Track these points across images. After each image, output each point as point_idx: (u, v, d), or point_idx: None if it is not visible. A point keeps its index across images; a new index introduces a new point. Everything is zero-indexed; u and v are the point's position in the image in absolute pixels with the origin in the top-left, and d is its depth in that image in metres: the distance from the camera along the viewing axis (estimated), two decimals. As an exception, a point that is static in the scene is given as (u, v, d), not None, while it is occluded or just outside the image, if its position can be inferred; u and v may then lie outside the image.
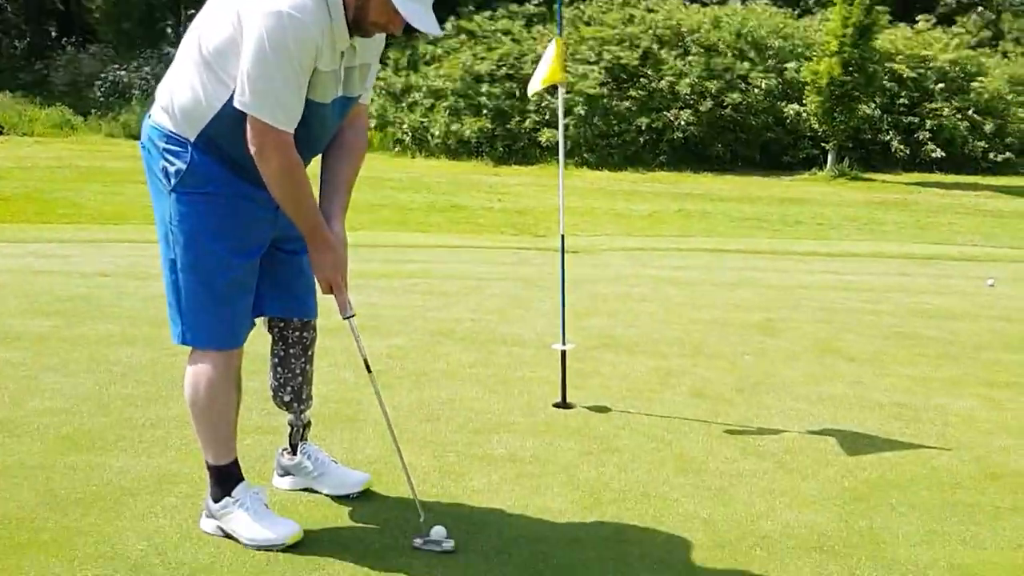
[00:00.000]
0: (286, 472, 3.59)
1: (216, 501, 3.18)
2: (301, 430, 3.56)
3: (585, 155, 22.71)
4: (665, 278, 8.67)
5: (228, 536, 3.16)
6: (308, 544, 3.12)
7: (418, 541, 3.16)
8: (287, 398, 3.47)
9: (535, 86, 4.71)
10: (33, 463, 3.69)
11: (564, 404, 4.67)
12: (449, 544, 3.14)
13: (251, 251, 3.13)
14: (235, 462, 3.22)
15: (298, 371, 3.45)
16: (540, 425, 4.37)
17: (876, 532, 3.32)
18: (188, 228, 3.03)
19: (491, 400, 4.72)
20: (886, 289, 8.21)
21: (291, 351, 3.43)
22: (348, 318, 3.21)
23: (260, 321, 3.38)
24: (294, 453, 3.57)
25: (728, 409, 4.67)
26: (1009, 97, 25.21)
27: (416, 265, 8.95)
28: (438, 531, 3.17)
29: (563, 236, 4.87)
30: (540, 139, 22.31)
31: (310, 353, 3.49)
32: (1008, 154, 24.57)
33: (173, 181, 3.01)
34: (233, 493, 3.17)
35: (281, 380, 3.45)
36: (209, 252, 3.04)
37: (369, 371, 3.36)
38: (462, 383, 4.98)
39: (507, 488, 3.64)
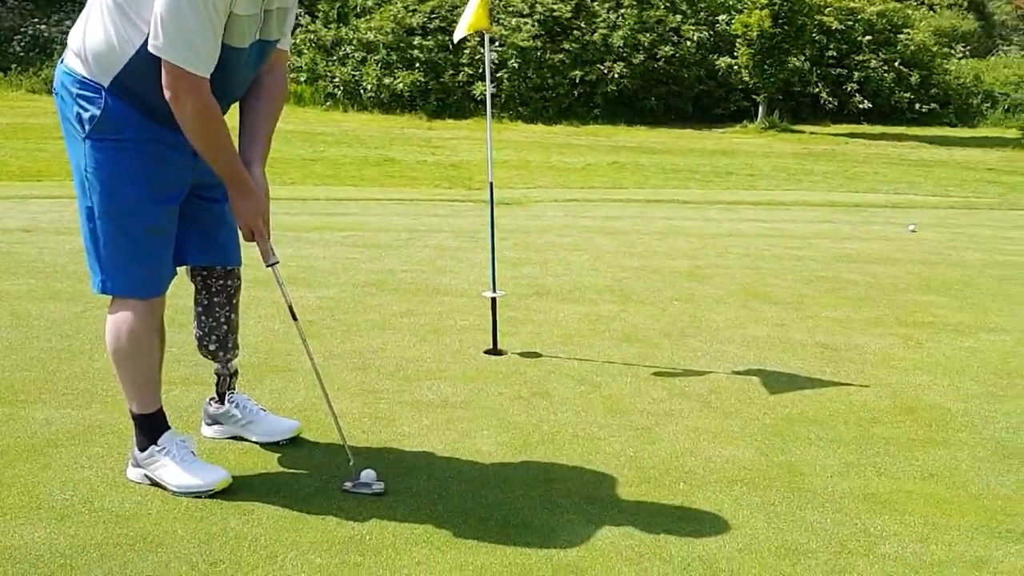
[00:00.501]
0: (214, 421, 3.59)
1: (142, 450, 3.16)
2: (228, 379, 3.55)
3: (519, 108, 22.68)
4: (597, 228, 8.73)
5: (155, 484, 3.15)
6: (237, 490, 3.12)
7: (348, 485, 3.19)
8: (212, 347, 3.45)
9: (460, 32, 4.70)
10: (-46, 417, 3.64)
11: (495, 351, 4.71)
12: (379, 487, 3.17)
13: (170, 197, 3.09)
14: (160, 411, 3.21)
15: (223, 320, 3.44)
16: (471, 371, 4.41)
17: (795, 465, 3.43)
18: (104, 175, 2.97)
19: (422, 348, 4.74)
20: (811, 236, 8.37)
21: (215, 300, 3.41)
22: (271, 265, 3.20)
23: (183, 270, 3.35)
24: (221, 402, 3.56)
25: (656, 353, 4.76)
26: (934, 49, 25.69)
27: (349, 218, 8.89)
28: (368, 474, 3.20)
29: (491, 183, 4.88)
30: (474, 92, 22.21)
31: (234, 302, 3.47)
32: (933, 105, 25.10)
33: (87, 128, 2.95)
34: (159, 441, 3.15)
35: (206, 329, 3.43)
36: (127, 199, 2.99)
37: (295, 319, 3.36)
38: (393, 332, 4.99)
39: (437, 432, 3.67)
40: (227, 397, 3.55)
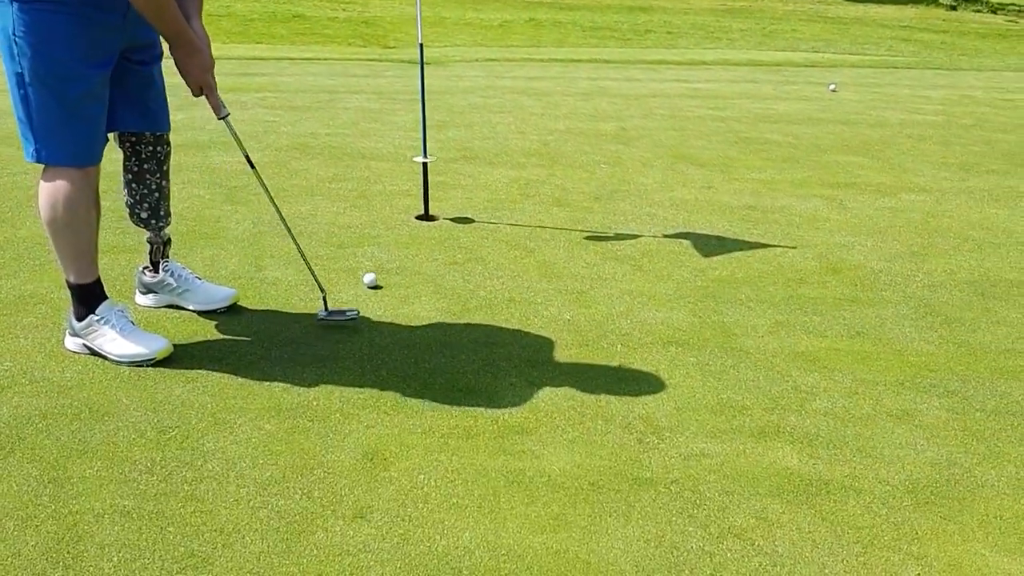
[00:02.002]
0: (148, 290, 3.54)
1: (80, 320, 3.12)
2: (161, 247, 3.49)
3: (432, -39, 21.93)
4: (520, 89, 8.64)
5: (95, 353, 3.12)
6: (178, 358, 3.12)
7: (322, 314, 3.34)
8: (144, 215, 3.38)
9: None
10: None
11: (427, 216, 4.70)
12: (353, 313, 3.33)
13: (103, 62, 2.95)
14: (98, 280, 3.15)
15: (154, 187, 3.36)
16: (404, 238, 4.40)
17: (727, 325, 3.55)
18: (35, 40, 2.82)
19: (352, 214, 4.71)
20: (733, 96, 8.42)
21: (145, 166, 3.32)
22: (224, 118, 3.17)
23: (112, 137, 3.24)
24: (156, 271, 3.51)
25: (586, 217, 4.80)
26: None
27: (264, 78, 8.62)
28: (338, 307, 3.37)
29: (421, 46, 4.77)
30: (386, -57, 21.34)
31: (165, 168, 3.38)
32: (849, -38, 24.98)
33: None
34: (97, 311, 3.11)
35: (137, 197, 3.35)
36: (59, 63, 2.85)
37: (252, 167, 3.39)
38: (322, 198, 4.93)
39: (375, 299, 3.69)
40: (161, 266, 3.50)
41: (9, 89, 2.92)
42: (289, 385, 3.00)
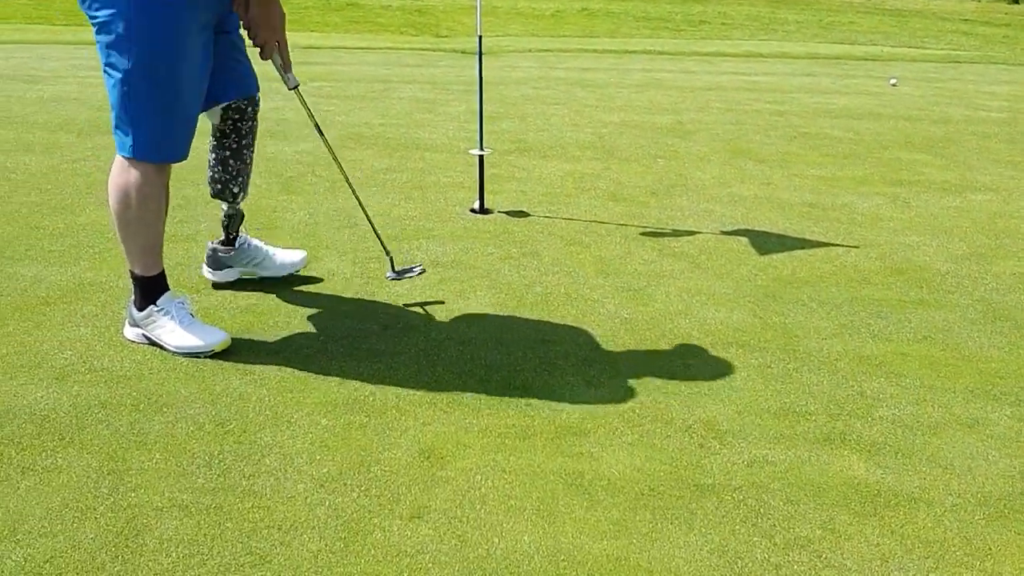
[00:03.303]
0: (224, 265, 3.58)
1: (140, 310, 3.14)
2: (240, 220, 3.57)
3: (486, -50, 21.89)
4: (573, 80, 8.57)
5: (153, 344, 3.13)
6: (236, 351, 3.11)
7: (390, 274, 3.48)
8: (236, 189, 3.48)
9: None
10: (-62, 276, 3.56)
11: (482, 209, 4.66)
12: (419, 268, 3.52)
13: (206, 54, 2.99)
14: (162, 273, 3.16)
15: (248, 161, 3.48)
16: (459, 231, 4.37)
17: (789, 327, 3.47)
18: (148, 34, 2.79)
19: (408, 206, 4.69)
20: (792, 90, 8.28)
21: (243, 142, 3.41)
22: (294, 88, 3.31)
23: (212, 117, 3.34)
24: (232, 244, 3.56)
25: (643, 212, 4.74)
26: None
27: (319, 67, 8.64)
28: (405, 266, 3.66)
29: (480, 38, 4.73)
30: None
31: (253, 138, 3.48)
32: (909, -47, 24.51)
33: None
34: (158, 302, 3.12)
35: (233, 172, 3.45)
36: (170, 57, 2.85)
37: (321, 134, 3.53)
38: (377, 189, 4.91)
39: (430, 293, 3.66)
40: (238, 240, 3.58)
41: (112, 83, 2.88)
42: (345, 380, 2.98)
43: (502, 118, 6.63)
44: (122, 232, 3.08)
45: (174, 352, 3.10)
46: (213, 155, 3.43)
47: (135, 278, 3.14)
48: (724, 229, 4.50)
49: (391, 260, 3.67)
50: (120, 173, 3.01)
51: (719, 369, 3.14)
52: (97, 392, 2.83)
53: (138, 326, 3.16)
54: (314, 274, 3.76)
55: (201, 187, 4.64)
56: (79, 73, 7.62)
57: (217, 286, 3.60)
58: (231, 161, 3.40)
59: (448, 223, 4.46)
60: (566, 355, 3.21)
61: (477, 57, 4.76)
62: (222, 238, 3.60)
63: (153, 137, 2.94)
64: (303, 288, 3.62)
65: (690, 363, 3.18)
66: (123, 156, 2.98)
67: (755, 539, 2.29)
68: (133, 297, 3.16)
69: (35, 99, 6.39)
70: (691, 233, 4.43)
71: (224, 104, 3.29)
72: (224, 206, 3.55)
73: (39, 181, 4.68)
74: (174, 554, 2.17)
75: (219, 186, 3.45)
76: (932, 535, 2.33)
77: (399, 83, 7.99)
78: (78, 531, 2.22)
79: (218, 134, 3.39)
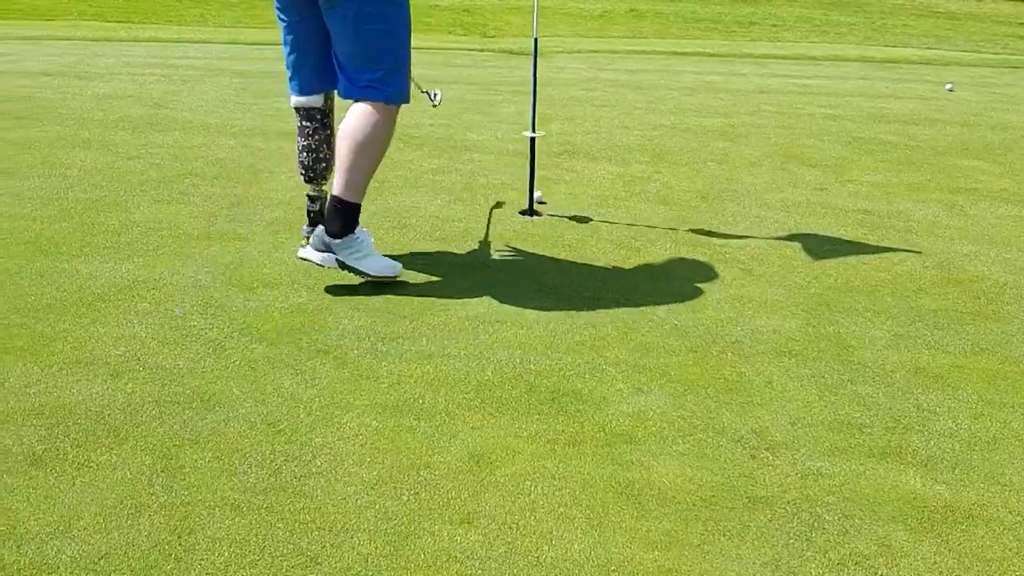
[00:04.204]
0: (326, 249, 3.58)
1: (337, 237, 3.52)
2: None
3: (533, -52, 21.86)
4: (622, 82, 8.53)
5: (344, 267, 3.56)
6: (287, 350, 3.13)
7: (430, 94, 4.11)
8: (329, 167, 3.84)
9: None
10: (-3, 269, 3.62)
11: (531, 212, 4.65)
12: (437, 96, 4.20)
13: None
14: (360, 205, 3.60)
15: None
16: (508, 233, 4.36)
17: (843, 336, 3.42)
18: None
19: (456, 208, 4.68)
20: (845, 93, 8.17)
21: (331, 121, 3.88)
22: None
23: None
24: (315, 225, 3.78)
25: (693, 216, 4.70)
26: None
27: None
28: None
29: (536, 40, 4.72)
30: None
31: None
32: (964, -45, 24.12)
33: None
34: (355, 231, 3.55)
35: (331, 151, 3.79)
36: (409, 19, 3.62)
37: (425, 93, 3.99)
38: (426, 190, 4.92)
39: (479, 296, 3.65)
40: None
41: (384, 39, 3.54)
42: (395, 382, 2.99)
43: (551, 120, 6.60)
44: (357, 165, 3.54)
45: (364, 274, 3.58)
46: (317, 137, 3.80)
47: (344, 207, 3.54)
48: (776, 235, 4.44)
49: (427, 93, 4.09)
50: (370, 117, 3.55)
51: (772, 378, 3.10)
52: (151, 389, 2.86)
53: (332, 251, 3.53)
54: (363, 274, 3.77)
55: (252, 186, 4.69)
56: (132, 70, 7.72)
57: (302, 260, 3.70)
58: (330, 140, 3.79)
59: (497, 225, 4.45)
60: (616, 361, 3.19)
61: (533, 59, 4.74)
62: (308, 224, 3.89)
63: (406, 85, 3.63)
64: (353, 288, 3.63)
65: (742, 372, 3.14)
66: (381, 102, 3.56)
67: (809, 554, 2.25)
68: (325, 226, 3.54)
69: (90, 96, 6.48)
70: (743, 239, 4.39)
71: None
72: (312, 191, 3.86)
73: (94, 177, 4.74)
74: (226, 553, 2.18)
75: (323, 165, 3.81)
76: (991, 553, 2.28)
77: (448, 83, 7.99)
78: (132, 528, 2.24)
79: (319, 116, 3.80)
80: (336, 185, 3.56)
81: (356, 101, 3.60)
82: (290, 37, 3.76)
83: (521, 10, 14.60)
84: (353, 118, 3.56)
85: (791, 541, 2.30)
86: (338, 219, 3.52)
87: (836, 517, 2.39)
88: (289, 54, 3.79)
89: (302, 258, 3.64)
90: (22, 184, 4.58)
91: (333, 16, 3.54)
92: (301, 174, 3.89)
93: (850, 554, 2.26)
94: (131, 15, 12.19)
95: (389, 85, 3.55)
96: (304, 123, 3.82)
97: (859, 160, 5.86)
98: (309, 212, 3.92)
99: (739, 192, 5.11)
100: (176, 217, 4.26)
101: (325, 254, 3.58)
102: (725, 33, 13.68)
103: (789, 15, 16.37)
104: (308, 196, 3.92)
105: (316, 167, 3.83)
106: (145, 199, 4.48)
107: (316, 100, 3.78)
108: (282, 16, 3.74)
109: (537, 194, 4.66)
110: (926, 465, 2.64)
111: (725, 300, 3.71)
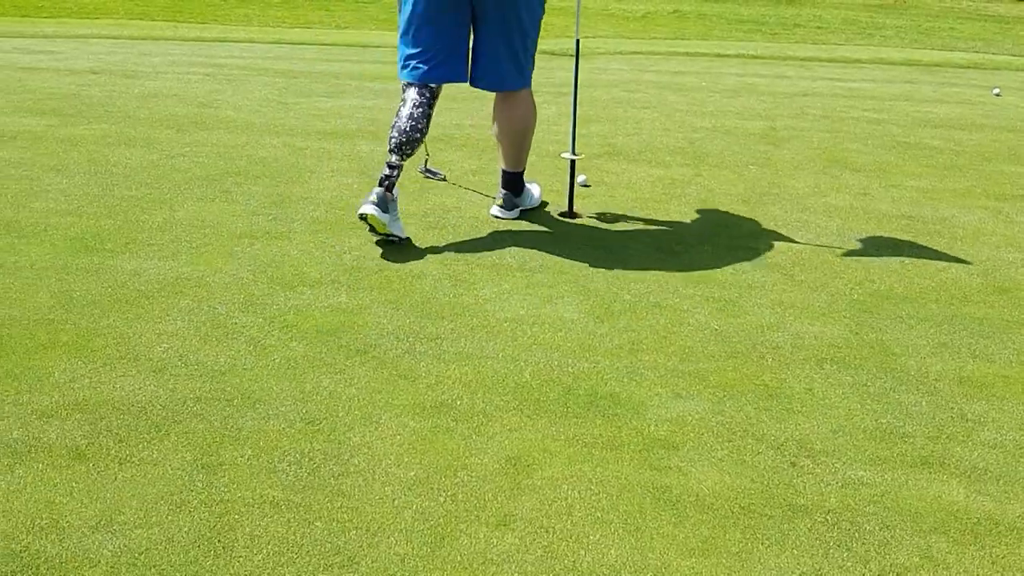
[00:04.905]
0: (386, 210, 4.01)
1: (518, 194, 4.55)
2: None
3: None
4: (664, 83, 8.48)
5: (523, 211, 4.56)
6: (326, 349, 3.15)
7: (421, 168, 4.88)
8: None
9: None
10: (44, 264, 3.67)
11: (570, 214, 4.64)
12: (441, 175, 4.99)
13: None
14: None
15: None
16: (547, 235, 4.35)
17: (886, 344, 3.38)
18: None
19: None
20: (890, 97, 8.07)
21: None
22: None
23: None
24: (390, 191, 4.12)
25: (735, 220, 4.66)
26: None
27: (410, 66, 8.70)
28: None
29: (578, 42, 4.71)
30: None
31: None
32: (1014, -43, 23.76)
33: None
34: (526, 185, 4.61)
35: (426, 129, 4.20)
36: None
37: None
38: (465, 191, 4.92)
39: (518, 297, 3.65)
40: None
41: (532, 33, 4.27)
42: (433, 382, 3.00)
43: (592, 121, 6.58)
44: (522, 143, 4.46)
45: (536, 200, 4.66)
46: (421, 112, 4.14)
47: (514, 175, 4.50)
48: (819, 240, 4.40)
49: (427, 159, 4.91)
50: (524, 101, 4.39)
51: (813, 385, 3.07)
52: (192, 386, 2.89)
53: (516, 206, 4.52)
54: (403, 275, 3.78)
55: (295, 185, 4.72)
56: (177, 69, 7.80)
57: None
58: (429, 120, 4.19)
59: (536, 226, 4.45)
60: (654, 365, 3.17)
61: (575, 61, 4.73)
62: (381, 189, 4.07)
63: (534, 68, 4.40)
64: (392, 288, 3.64)
65: (783, 378, 3.12)
66: (523, 88, 4.36)
67: (849, 564, 2.23)
68: (507, 192, 4.49)
69: (136, 94, 6.55)
70: (785, 243, 4.35)
71: None
72: (396, 161, 4.11)
73: (139, 175, 4.79)
74: (264, 551, 2.20)
75: (417, 138, 4.14)
76: (1036, 568, 2.24)
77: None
78: (172, 524, 2.27)
79: (430, 97, 4.18)
80: (508, 161, 4.46)
81: (504, 91, 4.35)
82: (429, 28, 4.11)
83: (563, 11, 14.56)
84: (516, 109, 4.38)
85: (830, 551, 2.27)
86: (512, 184, 4.51)
87: (877, 527, 2.37)
88: (422, 39, 4.13)
89: (496, 217, 4.49)
90: (69, 181, 4.64)
91: (498, 14, 4.12)
92: (394, 144, 4.11)
93: (891, 565, 2.23)
94: (177, 14, 12.32)
95: (526, 73, 4.36)
96: (418, 98, 4.15)
97: (903, 165, 5.78)
98: (384, 179, 4.08)
99: (781, 196, 5.06)
100: (219, 215, 4.30)
101: (514, 210, 4.54)
102: (768, 35, 13.57)
103: (834, 17, 16.21)
104: (389, 164, 4.11)
105: (411, 141, 4.12)
106: (189, 197, 4.52)
107: (438, 84, 4.21)
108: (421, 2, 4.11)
109: (581, 178, 5.01)
110: (970, 476, 2.60)
111: (766, 305, 3.68)
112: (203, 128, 5.77)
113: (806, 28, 14.64)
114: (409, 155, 4.15)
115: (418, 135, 4.14)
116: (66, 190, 4.51)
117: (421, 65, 4.16)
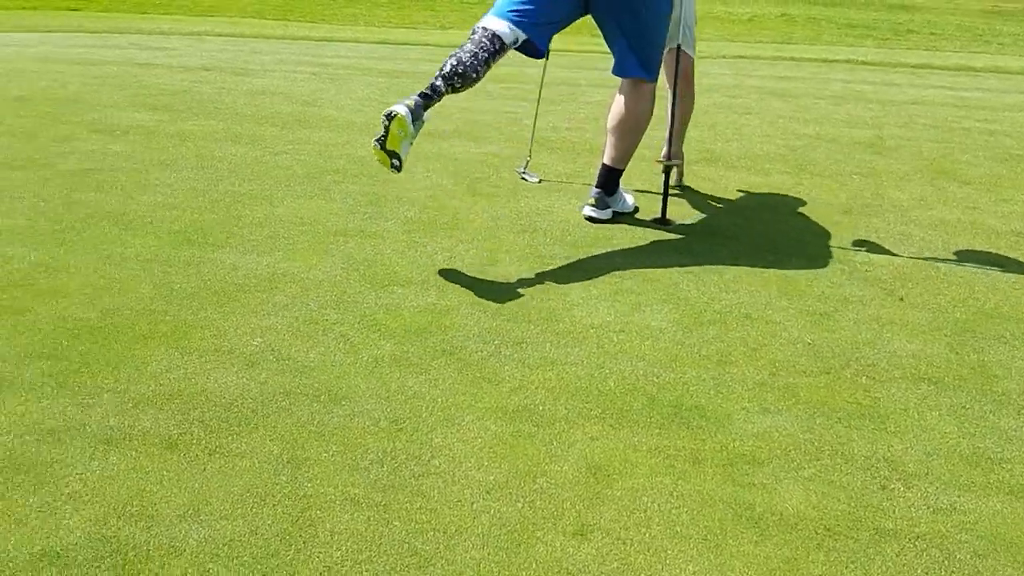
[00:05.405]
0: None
1: (612, 194, 4.53)
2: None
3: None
4: (768, 89, 8.33)
5: (616, 213, 4.54)
6: (411, 349, 3.17)
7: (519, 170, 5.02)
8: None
9: None
10: (148, 256, 3.79)
11: (663, 220, 4.59)
12: (536, 179, 5.09)
13: None
14: None
15: None
16: (639, 241, 4.32)
17: (987, 365, 3.25)
18: None
19: (590, 212, 4.66)
20: (1005, 108, 7.78)
21: None
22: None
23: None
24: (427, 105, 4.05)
25: (834, 231, 4.55)
26: None
27: (506, 69, 8.72)
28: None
29: (679, 47, 4.66)
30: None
31: None
32: None
33: None
34: (620, 188, 4.59)
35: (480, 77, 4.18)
36: None
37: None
38: (559, 194, 4.92)
39: (606, 304, 3.63)
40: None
41: (658, 28, 4.35)
42: (516, 386, 3.00)
43: (691, 126, 6.48)
44: (630, 139, 4.48)
45: (626, 207, 4.60)
46: (480, 60, 4.02)
47: (615, 172, 4.52)
48: (922, 255, 4.26)
49: (528, 160, 5.07)
50: (641, 95, 4.43)
51: (908, 405, 2.98)
52: (282, 381, 2.95)
53: (609, 207, 4.51)
54: (492, 277, 3.80)
55: (391, 185, 4.78)
56: (285, 67, 7.99)
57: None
58: (485, 71, 4.11)
59: (628, 232, 4.41)
60: (743, 378, 3.12)
61: (674, 67, 4.68)
62: (420, 99, 3.90)
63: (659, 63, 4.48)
64: (480, 289, 3.66)
65: (877, 396, 3.03)
66: (647, 79, 4.41)
67: (937, 594, 2.16)
68: (600, 190, 4.49)
69: (244, 91, 6.73)
70: (885, 256, 4.23)
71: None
72: (443, 86, 3.94)
73: (243, 171, 4.92)
74: (343, 548, 2.23)
75: (467, 83, 4.02)
76: None
77: (587, 87, 7.98)
78: (257, 517, 2.32)
79: (498, 50, 4.11)
80: (609, 154, 4.49)
81: (626, 78, 4.43)
82: None
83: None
84: (631, 103, 4.42)
85: (918, 579, 2.20)
86: (609, 183, 4.50)
87: (969, 556, 2.28)
88: (530, 4, 4.15)
89: (589, 217, 4.49)
90: (176, 175, 4.79)
91: (629, 4, 4.21)
92: (448, 72, 3.97)
93: (981, 598, 2.15)
94: (288, 13, 12.61)
95: (651, 67, 4.39)
96: (484, 41, 4.07)
97: (1016, 179, 5.57)
98: (422, 96, 3.90)
99: (884, 207, 4.92)
100: (317, 213, 4.38)
101: (606, 210, 4.52)
102: (879, 40, 13.22)
103: (948, 23, 15.70)
104: (433, 87, 3.94)
105: (468, 74, 4.04)
106: (289, 194, 4.62)
107: (511, 39, 4.13)
108: None
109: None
110: (1072, 508, 2.49)
111: (863, 320, 3.58)
112: (306, 126, 5.89)
113: (919, 34, 14.21)
114: (457, 88, 4.02)
115: (474, 75, 4.04)
116: (172, 184, 4.65)
117: (522, 18, 4.14)
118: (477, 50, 4.05)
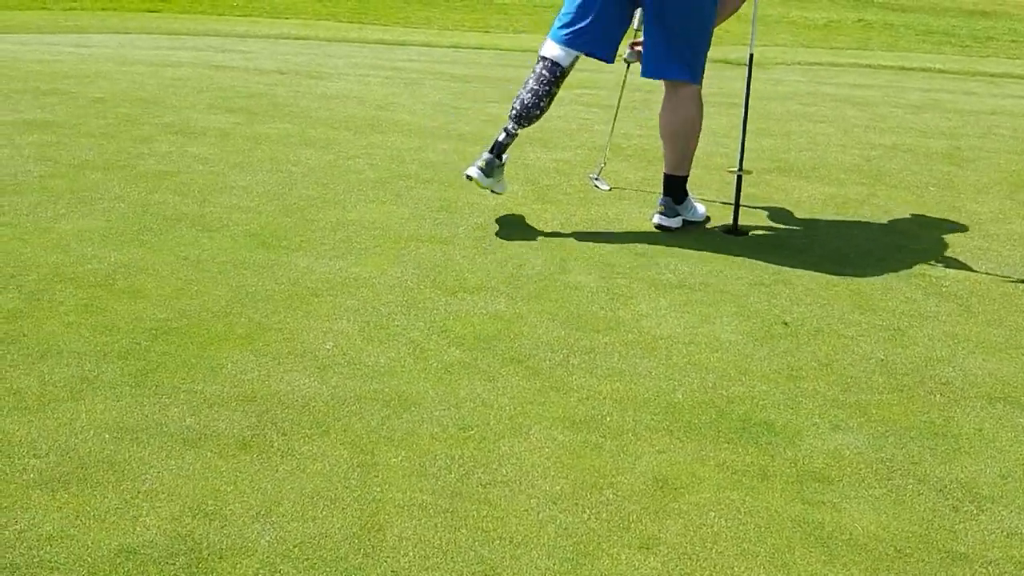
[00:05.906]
0: (490, 174, 4.40)
1: (680, 203, 4.51)
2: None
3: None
4: (843, 96, 8.21)
5: (686, 223, 4.53)
6: (480, 356, 3.20)
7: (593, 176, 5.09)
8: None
9: None
10: (224, 259, 3.87)
11: (735, 230, 4.56)
12: (606, 187, 5.08)
13: None
14: None
15: None
16: (709, 251, 4.29)
17: (1068, 387, 3.18)
18: None
19: (660, 221, 4.65)
20: (1090, 120, 7.57)
21: None
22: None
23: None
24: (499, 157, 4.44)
25: (909, 244, 4.48)
26: None
27: (580, 75, 8.72)
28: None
29: (751, 56, 4.63)
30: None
31: None
32: None
33: None
34: (688, 195, 4.57)
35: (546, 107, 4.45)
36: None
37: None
38: (630, 202, 4.91)
39: (675, 314, 3.62)
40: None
41: (702, 31, 4.35)
42: (584, 396, 3.01)
43: (764, 135, 6.45)
44: (687, 145, 4.47)
45: (694, 217, 4.59)
46: (547, 89, 4.38)
47: (677, 179, 4.50)
48: (999, 270, 4.17)
49: (601, 168, 5.13)
50: (691, 101, 4.42)
51: (983, 425, 2.92)
52: (353, 385, 2.99)
53: (679, 214, 4.50)
54: (561, 285, 3.81)
55: (462, 191, 4.81)
56: (359, 71, 8.09)
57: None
58: (552, 97, 4.42)
59: (698, 242, 4.39)
60: (813, 394, 3.09)
61: (747, 73, 4.65)
62: (491, 156, 4.39)
63: (704, 66, 4.44)
64: (550, 298, 3.67)
65: (951, 416, 2.98)
66: (692, 84, 4.41)
67: (1010, 622, 2.12)
68: (667, 198, 4.48)
69: (318, 95, 6.83)
70: (962, 271, 4.15)
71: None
72: (513, 129, 4.41)
73: (317, 175, 5.00)
74: (411, 554, 2.26)
75: (536, 113, 4.41)
76: None
77: (660, 94, 7.94)
78: (327, 520, 2.36)
79: (560, 74, 4.40)
80: (668, 162, 4.52)
81: (667, 80, 4.46)
82: (595, 4, 4.31)
83: (739, 17, 14.31)
84: (679, 109, 4.44)
85: (991, 606, 2.16)
86: (675, 191, 4.49)
87: (1044, 585, 2.24)
88: (580, 15, 4.33)
89: (659, 225, 4.48)
90: (252, 178, 4.88)
91: (673, 4, 4.23)
92: (514, 114, 4.40)
93: (1057, 628, 2.10)
94: (362, 16, 12.76)
95: (696, 71, 4.39)
96: (544, 73, 4.39)
97: (1101, 193, 5.42)
98: (498, 143, 4.42)
99: (961, 220, 4.83)
100: (388, 218, 4.43)
101: (676, 218, 4.51)
102: (959, 47, 12.95)
103: (1033, 30, 15.30)
104: (506, 130, 4.42)
105: (532, 113, 4.39)
106: (361, 199, 4.69)
107: (569, 61, 4.38)
108: None
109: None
110: None
111: (938, 337, 3.52)
112: (378, 131, 5.96)
113: (1000, 41, 13.88)
114: (526, 126, 4.42)
115: (537, 111, 4.39)
116: (248, 187, 4.74)
117: (574, 37, 4.36)
118: (537, 87, 4.39)
